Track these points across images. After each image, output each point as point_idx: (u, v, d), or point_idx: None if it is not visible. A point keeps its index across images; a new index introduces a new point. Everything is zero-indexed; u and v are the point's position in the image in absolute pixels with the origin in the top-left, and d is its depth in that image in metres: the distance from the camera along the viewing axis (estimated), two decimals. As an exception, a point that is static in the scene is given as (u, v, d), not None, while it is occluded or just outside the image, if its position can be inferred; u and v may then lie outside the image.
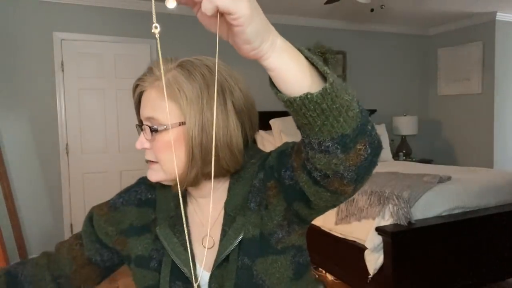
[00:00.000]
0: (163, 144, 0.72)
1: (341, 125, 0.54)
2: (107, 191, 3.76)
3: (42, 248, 3.53)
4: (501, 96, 4.67)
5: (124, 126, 3.84)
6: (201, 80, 0.71)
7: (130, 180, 3.55)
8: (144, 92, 0.75)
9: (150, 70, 0.74)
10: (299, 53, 0.55)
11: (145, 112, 0.73)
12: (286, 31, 5.03)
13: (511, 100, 4.74)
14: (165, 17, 3.96)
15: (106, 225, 0.86)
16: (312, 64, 0.55)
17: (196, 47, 4.08)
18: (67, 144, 3.64)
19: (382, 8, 3.52)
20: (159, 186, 0.85)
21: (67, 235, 3.63)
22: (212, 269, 0.75)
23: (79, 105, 3.68)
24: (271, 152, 0.80)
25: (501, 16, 4.54)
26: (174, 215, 0.80)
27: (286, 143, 0.77)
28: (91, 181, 3.73)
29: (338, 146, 0.55)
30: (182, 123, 0.71)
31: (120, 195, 0.90)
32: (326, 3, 3.32)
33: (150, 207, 0.85)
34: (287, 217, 0.74)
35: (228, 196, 0.78)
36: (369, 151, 0.58)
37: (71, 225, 3.66)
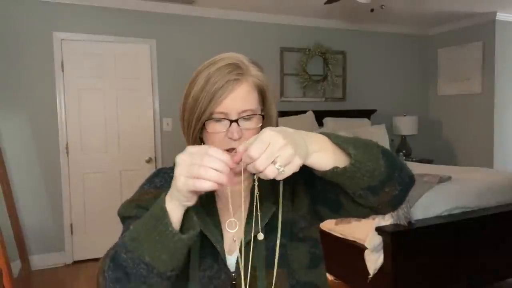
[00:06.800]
0: (256, 131, 0.80)
1: (366, 181, 0.68)
2: (107, 191, 3.78)
3: (42, 248, 3.54)
4: (501, 96, 4.67)
5: (124, 126, 3.84)
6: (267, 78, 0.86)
7: (130, 180, 3.59)
8: (239, 86, 0.78)
9: (236, 66, 0.78)
10: (324, 142, 0.69)
11: (243, 103, 0.78)
12: (286, 31, 5.01)
13: (511, 100, 4.74)
14: (165, 17, 3.96)
15: None
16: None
17: (196, 47, 4.09)
18: (67, 144, 3.64)
19: (382, 8, 3.51)
20: None
21: (67, 235, 3.63)
22: (239, 248, 0.80)
23: (79, 105, 3.68)
24: None
25: (501, 16, 4.54)
26: (204, 196, 0.84)
27: None
28: (91, 181, 3.73)
29: (368, 192, 0.70)
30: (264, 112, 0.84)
31: (151, 180, 0.90)
32: (326, 3, 3.31)
33: None
34: (309, 212, 0.85)
35: (255, 183, 0.83)
36: (399, 188, 0.72)
37: (71, 225, 3.66)
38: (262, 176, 0.62)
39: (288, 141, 0.61)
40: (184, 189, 0.63)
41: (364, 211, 0.78)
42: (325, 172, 0.67)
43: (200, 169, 0.61)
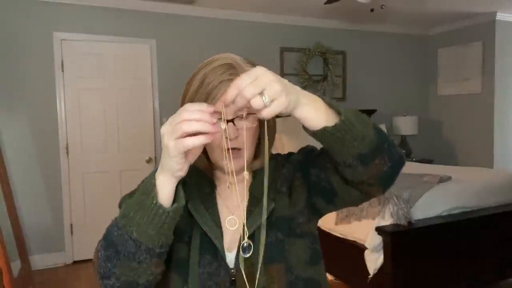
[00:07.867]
0: (254, 131, 0.82)
1: (357, 148, 0.68)
2: (107, 191, 3.78)
3: (42, 248, 3.54)
4: (501, 96, 4.67)
5: (124, 126, 3.84)
6: None
7: (130, 180, 3.59)
8: None
9: (230, 66, 0.79)
10: (317, 100, 0.68)
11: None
12: (286, 31, 5.00)
13: (511, 100, 4.75)
14: (165, 17, 3.96)
15: None
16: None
17: (196, 47, 4.09)
18: (67, 144, 3.64)
19: (382, 8, 3.51)
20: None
21: (67, 235, 3.63)
22: (239, 246, 0.80)
23: (79, 105, 3.68)
24: (291, 152, 0.94)
25: (501, 16, 4.54)
26: (204, 195, 0.85)
27: (310, 146, 0.92)
28: (91, 181, 3.73)
29: (358, 162, 0.70)
30: None
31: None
32: (326, 3, 3.31)
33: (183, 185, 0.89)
34: (307, 206, 0.86)
35: (254, 181, 0.86)
36: (389, 164, 0.72)
37: (71, 225, 3.66)
38: (247, 104, 0.61)
39: (278, 80, 0.61)
40: (176, 152, 0.63)
41: (356, 195, 0.78)
42: (315, 132, 0.68)
43: (182, 125, 0.62)
